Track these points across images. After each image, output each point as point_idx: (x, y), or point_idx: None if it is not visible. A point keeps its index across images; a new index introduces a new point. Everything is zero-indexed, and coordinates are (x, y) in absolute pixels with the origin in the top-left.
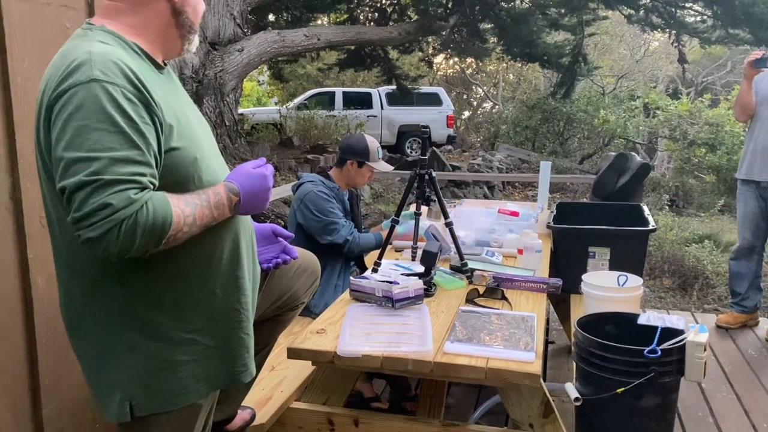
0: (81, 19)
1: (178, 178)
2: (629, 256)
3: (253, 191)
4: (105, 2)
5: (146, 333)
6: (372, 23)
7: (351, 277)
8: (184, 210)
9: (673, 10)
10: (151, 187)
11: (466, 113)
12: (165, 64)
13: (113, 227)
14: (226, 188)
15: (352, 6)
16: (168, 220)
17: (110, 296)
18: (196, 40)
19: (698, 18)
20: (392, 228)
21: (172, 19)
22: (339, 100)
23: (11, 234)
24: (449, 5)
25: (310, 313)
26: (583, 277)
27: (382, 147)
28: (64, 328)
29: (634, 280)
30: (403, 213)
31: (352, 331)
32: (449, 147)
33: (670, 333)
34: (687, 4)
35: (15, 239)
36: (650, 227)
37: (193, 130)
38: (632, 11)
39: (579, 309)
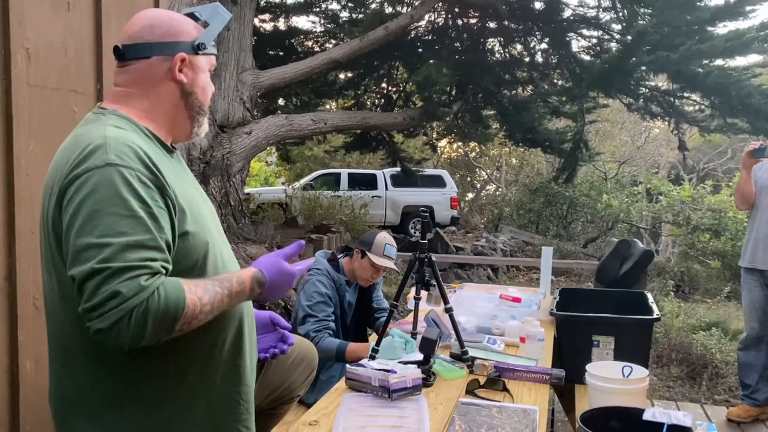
0: (90, 104)
1: (190, 261)
2: (634, 346)
3: (276, 287)
4: (114, 88)
5: (139, 428)
6: (378, 109)
7: (347, 365)
8: (201, 297)
9: (672, 99)
10: (164, 272)
11: (470, 195)
12: (174, 148)
13: (123, 316)
14: (254, 278)
15: (359, 92)
16: (180, 306)
17: (104, 388)
18: (205, 124)
19: (696, 107)
20: (391, 312)
21: (181, 100)
22: (344, 180)
23: (3, 316)
24: (452, 93)
25: (303, 403)
26: (587, 367)
27: (386, 227)
28: (52, 417)
29: (639, 371)
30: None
31: (347, 423)
32: (453, 228)
33: (676, 430)
34: (685, 94)
35: (6, 321)
36: (655, 316)
37: (202, 214)
38: (632, 100)
39: (584, 400)
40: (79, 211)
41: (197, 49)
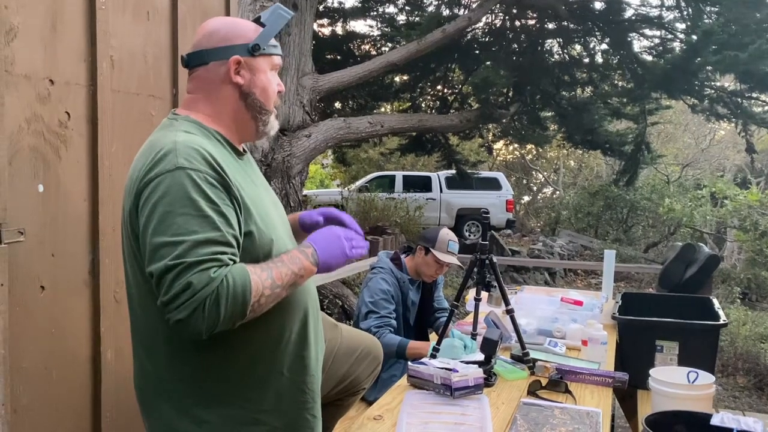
0: (166, 108)
1: (254, 258)
2: (699, 352)
3: (324, 238)
4: (186, 95)
5: (215, 412)
6: (434, 111)
7: (409, 362)
8: (260, 275)
9: (739, 100)
10: (231, 264)
11: (526, 198)
12: (244, 150)
13: (198, 307)
14: (300, 246)
15: (414, 95)
16: (248, 288)
17: (182, 373)
18: (273, 122)
19: (766, 108)
20: (451, 313)
21: (240, 101)
22: (399, 183)
23: (88, 308)
24: (510, 94)
25: (365, 400)
26: (651, 372)
27: None
28: (137, 404)
29: (706, 377)
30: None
31: (410, 419)
32: (508, 231)
33: None
34: (754, 95)
35: (90, 313)
36: (721, 321)
37: (268, 213)
38: (696, 101)
39: (646, 406)
40: (153, 213)
41: (253, 50)
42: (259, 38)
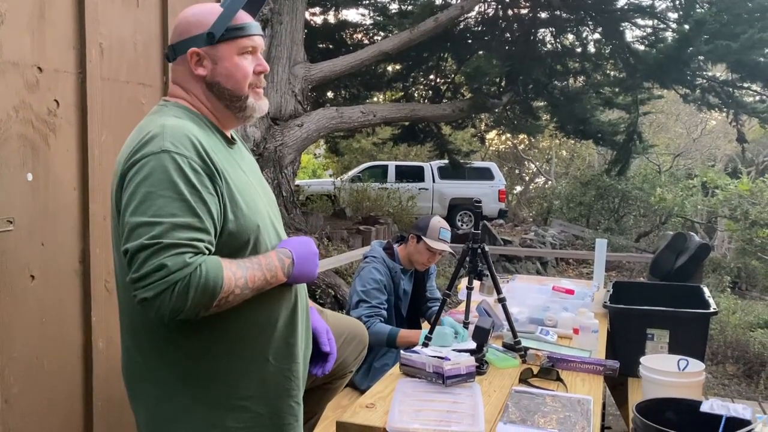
0: (156, 96)
1: (239, 243)
2: (690, 340)
3: (304, 254)
4: (171, 84)
5: (200, 397)
6: (426, 101)
7: (402, 351)
8: (235, 273)
9: (731, 90)
10: (207, 252)
11: (518, 188)
12: (233, 139)
13: (167, 288)
14: (278, 252)
15: (407, 84)
16: (219, 283)
17: (166, 358)
18: (256, 104)
19: (757, 98)
20: (444, 301)
21: (209, 92)
22: (392, 173)
23: (78, 297)
24: (502, 84)
25: (358, 388)
26: (642, 360)
27: None
28: (125, 390)
29: (696, 365)
30: (437, 330)
31: (402, 407)
32: (501, 221)
33: (734, 423)
34: (745, 84)
35: (81, 302)
36: (712, 310)
37: (255, 200)
38: (688, 91)
39: (637, 393)
40: (135, 193)
41: (210, 39)
42: (213, 26)
